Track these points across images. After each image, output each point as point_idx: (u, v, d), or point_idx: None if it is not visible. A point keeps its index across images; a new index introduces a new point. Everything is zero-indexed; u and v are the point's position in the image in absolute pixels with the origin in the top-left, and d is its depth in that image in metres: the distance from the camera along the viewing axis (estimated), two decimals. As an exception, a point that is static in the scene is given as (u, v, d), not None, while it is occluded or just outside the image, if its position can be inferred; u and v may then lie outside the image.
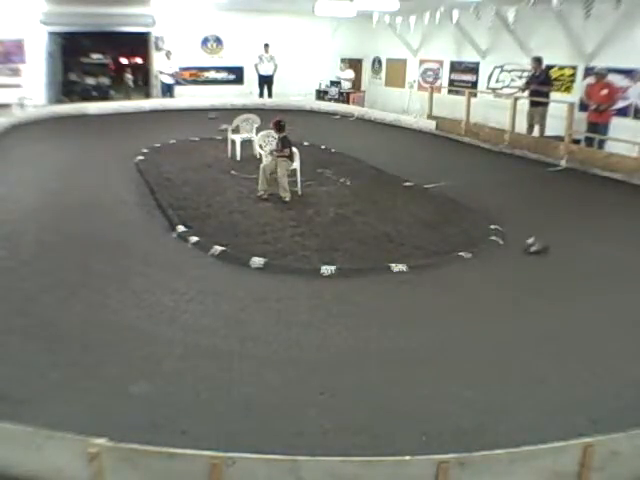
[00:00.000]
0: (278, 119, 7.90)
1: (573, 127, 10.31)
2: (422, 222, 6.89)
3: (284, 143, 7.66)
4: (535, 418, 3.30)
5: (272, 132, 8.14)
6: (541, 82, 11.18)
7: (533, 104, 11.30)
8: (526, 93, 11.63)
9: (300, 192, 7.83)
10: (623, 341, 4.23)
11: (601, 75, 10.51)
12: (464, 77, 14.98)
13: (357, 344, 4.16)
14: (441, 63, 15.76)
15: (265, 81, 16.26)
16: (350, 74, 17.39)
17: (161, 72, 15.88)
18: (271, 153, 7.91)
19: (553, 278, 5.42)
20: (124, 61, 22.00)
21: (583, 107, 11.05)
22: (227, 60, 17.17)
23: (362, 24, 16.48)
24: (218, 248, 5.74)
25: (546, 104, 11.15)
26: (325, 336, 4.22)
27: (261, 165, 7.76)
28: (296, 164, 7.87)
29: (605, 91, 10.40)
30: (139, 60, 20.51)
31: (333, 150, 10.98)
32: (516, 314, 4.70)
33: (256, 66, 16.15)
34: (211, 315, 4.48)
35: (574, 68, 11.78)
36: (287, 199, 7.44)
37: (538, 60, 11.29)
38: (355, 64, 18.28)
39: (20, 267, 5.24)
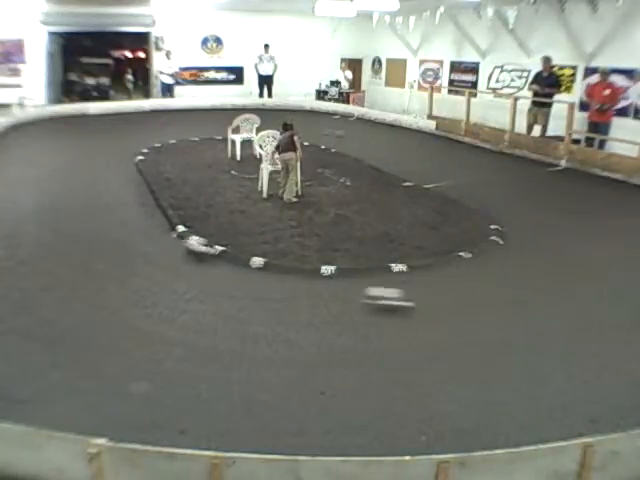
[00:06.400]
0: (285, 121, 7.82)
1: (574, 127, 10.31)
2: (422, 222, 6.88)
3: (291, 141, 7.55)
4: (535, 418, 3.30)
5: (272, 132, 8.11)
6: (551, 84, 11.17)
7: (537, 104, 11.29)
8: (529, 93, 11.62)
9: (300, 192, 7.82)
10: (624, 340, 4.23)
11: (604, 75, 10.52)
12: (464, 77, 14.99)
13: (357, 344, 4.16)
14: (441, 63, 15.77)
15: (265, 81, 16.26)
16: (349, 74, 17.41)
17: (161, 72, 15.89)
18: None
19: (553, 278, 5.42)
20: (124, 61, 22.02)
21: (583, 107, 11.07)
22: (227, 60, 17.18)
23: (362, 24, 16.49)
24: (218, 248, 5.74)
25: (551, 104, 11.15)
26: (325, 336, 4.22)
27: (288, 175, 7.56)
28: (297, 163, 7.84)
29: (607, 91, 10.41)
30: (139, 60, 20.53)
31: (333, 150, 10.99)
32: (516, 314, 4.69)
33: (256, 66, 16.15)
34: (211, 315, 4.48)
35: (574, 68, 11.79)
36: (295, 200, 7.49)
37: (548, 60, 11.25)
38: (355, 64, 18.29)
39: (20, 267, 5.25)
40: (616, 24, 10.62)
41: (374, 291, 4.63)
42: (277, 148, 7.59)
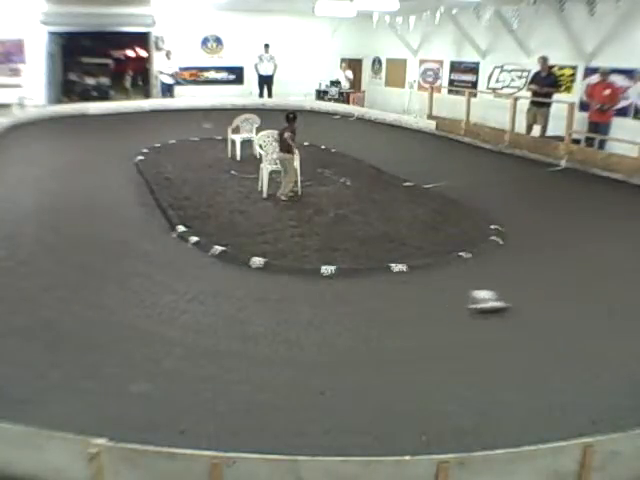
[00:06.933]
0: (290, 111, 7.84)
1: (574, 127, 10.31)
2: (422, 222, 6.89)
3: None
4: (535, 418, 3.30)
5: (272, 132, 8.11)
6: (550, 84, 11.17)
7: (537, 104, 11.29)
8: (528, 93, 11.62)
9: (300, 192, 7.83)
10: (623, 341, 4.23)
11: (604, 75, 10.52)
12: (464, 77, 14.99)
13: (357, 344, 4.16)
14: (441, 63, 15.76)
15: (265, 81, 16.26)
16: (350, 74, 17.42)
17: (161, 72, 15.88)
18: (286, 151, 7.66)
19: (553, 278, 5.42)
20: (124, 61, 22.02)
21: (583, 107, 11.07)
22: (227, 60, 17.17)
23: (362, 24, 16.48)
24: (218, 248, 5.74)
25: (550, 104, 11.16)
26: (325, 336, 4.23)
27: (292, 170, 7.58)
28: (296, 163, 7.86)
29: (608, 91, 10.41)
30: (139, 60, 20.53)
31: (333, 150, 10.99)
32: (516, 314, 4.69)
33: (256, 66, 16.15)
34: (211, 315, 4.48)
35: (574, 68, 11.79)
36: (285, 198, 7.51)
37: (545, 60, 11.26)
38: (355, 64, 18.29)
39: (20, 267, 5.24)
40: (616, 24, 10.62)
41: (479, 294, 4.69)
42: (281, 136, 7.60)
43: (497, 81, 13.97)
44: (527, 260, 5.89)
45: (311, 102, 16.94)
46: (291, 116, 7.64)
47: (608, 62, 10.77)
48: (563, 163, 10.10)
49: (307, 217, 6.93)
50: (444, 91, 15.22)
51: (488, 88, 14.09)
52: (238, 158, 9.75)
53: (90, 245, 5.91)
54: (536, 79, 11.39)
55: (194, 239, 6.02)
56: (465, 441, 3.00)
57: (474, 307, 4.63)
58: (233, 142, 9.96)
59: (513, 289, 5.20)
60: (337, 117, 15.73)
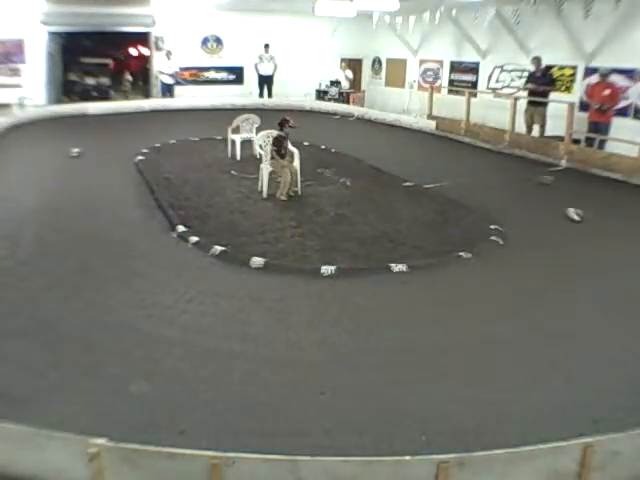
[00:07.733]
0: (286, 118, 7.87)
1: (574, 127, 10.31)
2: (422, 222, 6.89)
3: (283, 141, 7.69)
4: (535, 418, 3.30)
5: (272, 132, 8.10)
6: (546, 83, 11.19)
7: (534, 104, 11.30)
8: (526, 93, 11.64)
9: (300, 192, 7.83)
10: (624, 340, 4.23)
11: (604, 75, 10.53)
12: (464, 77, 15.00)
13: (357, 344, 4.15)
14: (441, 63, 15.78)
15: (265, 81, 16.28)
16: (350, 74, 17.44)
17: (161, 72, 15.90)
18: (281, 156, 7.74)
19: (553, 278, 5.42)
20: (123, 61, 22.03)
21: (583, 107, 11.07)
22: (227, 60, 17.19)
23: (362, 24, 16.49)
24: (218, 248, 5.73)
25: (546, 104, 11.18)
26: (325, 336, 4.22)
27: (285, 171, 7.59)
28: (296, 164, 7.87)
29: (607, 91, 10.42)
30: (138, 60, 20.54)
31: (333, 150, 10.99)
32: (516, 314, 4.70)
33: (256, 66, 16.16)
34: (211, 315, 4.48)
35: (574, 68, 11.80)
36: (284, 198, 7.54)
37: (538, 60, 11.30)
38: (355, 64, 18.30)
39: (20, 267, 5.24)
40: (616, 24, 10.63)
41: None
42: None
43: (497, 81, 13.99)
44: (527, 260, 5.88)
45: (311, 102, 16.96)
46: (279, 123, 7.71)
47: (608, 62, 10.78)
48: (563, 163, 10.10)
49: (307, 217, 6.93)
50: (444, 91, 15.23)
51: (488, 88, 14.10)
52: (238, 158, 9.75)
53: (90, 245, 5.91)
54: (532, 79, 11.42)
55: (194, 239, 6.01)
56: (465, 441, 3.00)
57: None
58: (233, 142, 9.95)
59: (513, 289, 5.21)
60: (337, 117, 15.74)
